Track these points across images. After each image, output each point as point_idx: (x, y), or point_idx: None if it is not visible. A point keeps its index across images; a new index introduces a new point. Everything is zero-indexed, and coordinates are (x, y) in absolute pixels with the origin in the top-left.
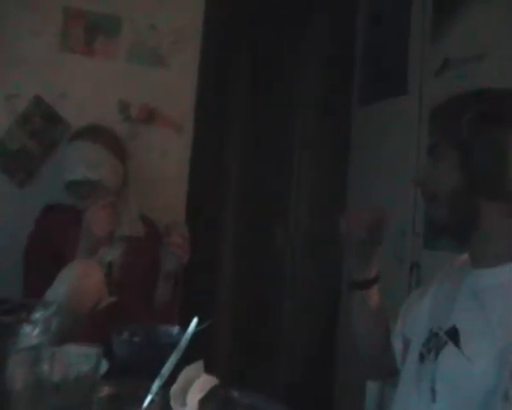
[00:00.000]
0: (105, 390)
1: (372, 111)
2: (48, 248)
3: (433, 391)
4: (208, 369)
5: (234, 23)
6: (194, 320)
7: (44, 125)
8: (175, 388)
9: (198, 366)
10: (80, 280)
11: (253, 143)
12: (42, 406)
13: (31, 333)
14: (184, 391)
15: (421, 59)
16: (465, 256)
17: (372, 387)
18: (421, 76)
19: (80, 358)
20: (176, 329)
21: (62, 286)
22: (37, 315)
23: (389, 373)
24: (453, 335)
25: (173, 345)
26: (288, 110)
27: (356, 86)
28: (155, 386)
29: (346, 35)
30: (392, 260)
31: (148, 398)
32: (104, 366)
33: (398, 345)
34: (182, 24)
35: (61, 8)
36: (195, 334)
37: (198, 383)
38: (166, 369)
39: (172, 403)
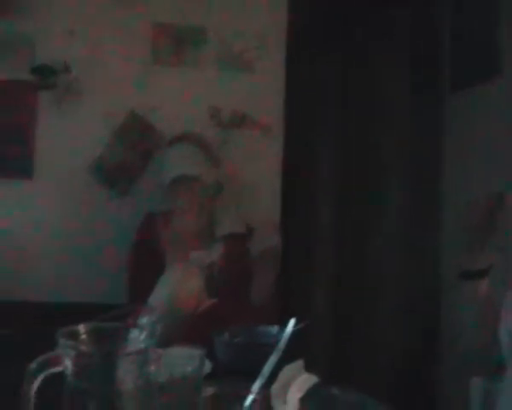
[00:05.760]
0: (209, 391)
1: (465, 95)
2: (150, 254)
3: None
4: (309, 367)
5: (318, 24)
6: (292, 321)
7: (140, 137)
8: (276, 387)
9: (298, 364)
10: (180, 285)
11: (344, 142)
12: (150, 406)
13: (138, 337)
14: (285, 390)
15: None
16: None
17: (477, 382)
18: None
19: (184, 359)
20: (275, 328)
21: (163, 291)
22: (144, 320)
23: (496, 368)
24: None
25: (273, 345)
26: (377, 107)
27: (446, 73)
28: (257, 385)
29: (431, 24)
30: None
31: (250, 397)
32: (207, 367)
33: (504, 339)
34: (266, 28)
35: (149, 25)
36: (296, 333)
37: (298, 382)
38: (267, 368)
39: (273, 402)
